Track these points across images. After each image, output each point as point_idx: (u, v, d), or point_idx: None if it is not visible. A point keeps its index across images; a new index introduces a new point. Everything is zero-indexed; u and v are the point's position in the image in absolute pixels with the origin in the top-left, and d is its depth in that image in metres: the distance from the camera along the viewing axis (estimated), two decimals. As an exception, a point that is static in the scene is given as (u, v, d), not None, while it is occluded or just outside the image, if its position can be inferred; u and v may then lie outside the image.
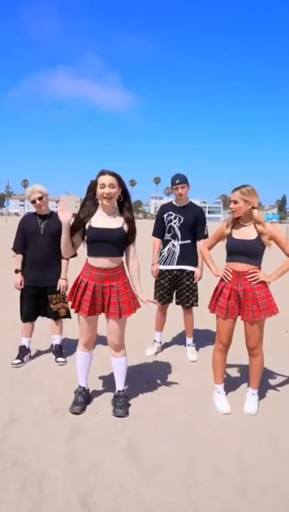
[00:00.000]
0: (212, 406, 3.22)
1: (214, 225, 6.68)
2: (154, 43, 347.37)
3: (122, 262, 3.07)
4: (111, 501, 2.16)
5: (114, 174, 2.91)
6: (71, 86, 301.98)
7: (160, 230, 4.28)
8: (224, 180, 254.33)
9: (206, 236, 4.15)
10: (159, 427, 2.92)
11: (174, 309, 4.51)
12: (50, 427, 2.86)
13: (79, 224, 2.95)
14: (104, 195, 2.87)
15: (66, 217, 2.88)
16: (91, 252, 2.99)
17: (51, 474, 2.36)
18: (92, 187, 2.95)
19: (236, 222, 3.16)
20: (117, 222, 2.97)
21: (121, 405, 3.08)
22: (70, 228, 2.95)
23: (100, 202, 2.99)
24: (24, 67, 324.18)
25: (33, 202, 3.89)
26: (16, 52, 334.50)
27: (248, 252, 3.06)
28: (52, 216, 3.98)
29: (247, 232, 3.08)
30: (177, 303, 4.32)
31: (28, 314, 4.03)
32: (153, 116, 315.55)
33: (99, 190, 2.89)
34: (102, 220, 2.95)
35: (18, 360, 3.94)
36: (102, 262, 2.95)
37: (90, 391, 3.31)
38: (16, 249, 3.99)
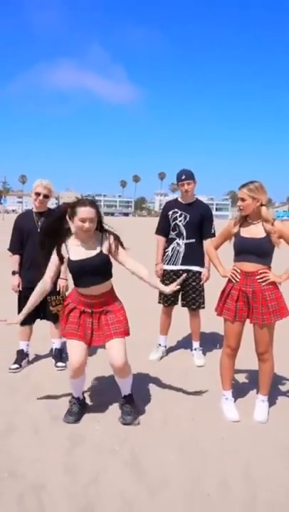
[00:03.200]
0: (220, 413, 3.21)
1: (222, 223, 6.65)
2: (162, 36, 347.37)
3: (111, 286, 3.06)
4: (113, 515, 2.15)
5: (93, 204, 2.81)
6: (74, 79, 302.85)
7: (164, 228, 4.27)
8: (233, 175, 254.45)
9: (214, 235, 4.12)
10: (163, 435, 2.90)
11: (180, 312, 4.49)
12: (48, 436, 2.85)
13: (57, 253, 2.94)
14: (85, 230, 2.79)
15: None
16: (77, 283, 2.97)
17: (49, 486, 2.35)
18: (66, 212, 2.84)
19: (244, 220, 3.14)
20: (95, 247, 2.90)
21: (129, 411, 3.05)
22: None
23: (73, 229, 2.88)
24: (24, 59, 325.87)
25: (37, 194, 3.86)
26: (16, 43, 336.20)
27: (257, 251, 3.04)
28: (50, 213, 3.97)
29: (256, 231, 3.06)
30: (183, 305, 4.31)
31: (26, 317, 4.02)
32: (158, 109, 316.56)
33: (78, 223, 2.77)
34: (80, 249, 2.89)
35: (16, 365, 3.94)
36: (91, 291, 2.94)
37: (92, 396, 3.29)
38: (12, 249, 3.98)
